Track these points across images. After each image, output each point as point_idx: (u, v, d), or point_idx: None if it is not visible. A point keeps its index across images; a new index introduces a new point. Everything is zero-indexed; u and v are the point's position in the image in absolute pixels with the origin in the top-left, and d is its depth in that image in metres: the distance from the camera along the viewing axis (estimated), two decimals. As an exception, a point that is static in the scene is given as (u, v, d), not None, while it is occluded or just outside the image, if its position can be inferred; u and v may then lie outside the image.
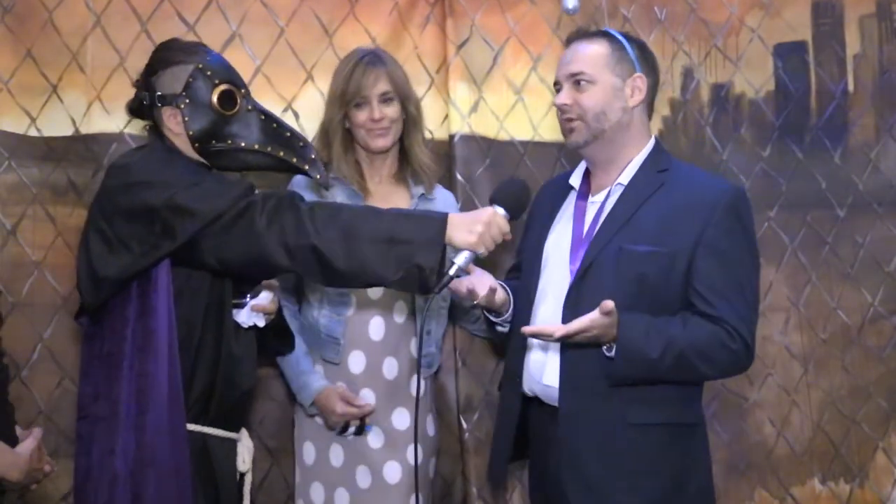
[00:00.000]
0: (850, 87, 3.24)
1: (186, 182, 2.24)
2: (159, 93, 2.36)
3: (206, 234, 2.20)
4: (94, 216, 2.33)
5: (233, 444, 2.41)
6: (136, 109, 2.45)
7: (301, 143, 2.45)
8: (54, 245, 2.78)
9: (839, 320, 3.20)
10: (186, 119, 2.34)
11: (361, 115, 2.69)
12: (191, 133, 2.34)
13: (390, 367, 2.70)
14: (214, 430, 2.34)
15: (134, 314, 2.25)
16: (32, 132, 2.81)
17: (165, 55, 2.41)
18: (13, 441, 2.27)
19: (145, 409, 2.22)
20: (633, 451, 2.27)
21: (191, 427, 2.28)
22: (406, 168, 2.79)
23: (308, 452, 2.71)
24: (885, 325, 3.21)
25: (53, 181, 2.81)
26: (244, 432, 2.47)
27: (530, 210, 2.53)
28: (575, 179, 2.47)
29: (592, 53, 2.38)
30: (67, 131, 2.84)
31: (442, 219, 2.20)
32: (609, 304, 2.15)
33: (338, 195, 2.70)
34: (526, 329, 2.23)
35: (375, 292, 2.66)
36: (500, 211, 2.24)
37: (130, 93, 2.77)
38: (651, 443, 2.27)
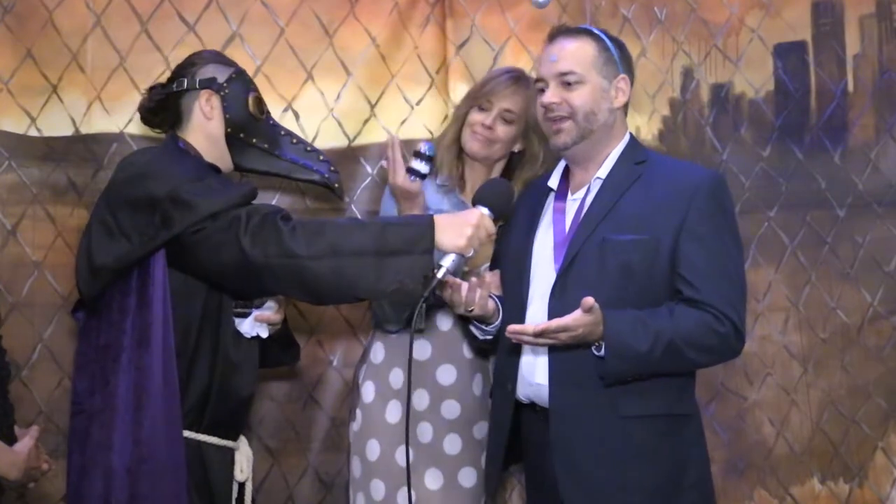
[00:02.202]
0: (850, 87, 3.24)
1: (191, 177, 2.25)
2: (200, 77, 2.39)
3: (195, 238, 2.18)
4: (99, 209, 2.32)
5: (230, 452, 2.38)
6: (156, 104, 2.44)
7: (321, 157, 2.55)
8: (54, 245, 2.79)
9: (839, 320, 3.20)
10: (225, 104, 2.38)
11: (477, 116, 2.68)
12: (228, 116, 2.38)
13: (478, 383, 2.72)
14: (210, 437, 2.30)
15: (133, 306, 2.23)
16: (32, 132, 2.82)
17: (208, 55, 2.49)
18: (11, 440, 2.27)
19: (142, 404, 2.19)
20: (627, 444, 2.25)
21: (186, 434, 2.24)
22: None
23: (372, 449, 2.68)
24: (884, 324, 3.21)
25: (53, 181, 2.82)
26: (243, 440, 2.45)
27: (519, 210, 2.53)
28: (553, 181, 2.46)
29: (581, 52, 2.35)
30: (67, 131, 2.84)
31: (429, 223, 2.17)
32: (589, 300, 2.10)
33: (439, 199, 2.70)
34: (509, 328, 2.17)
35: None
36: (486, 212, 2.23)
37: (131, 93, 2.81)
38: (644, 435, 2.25)
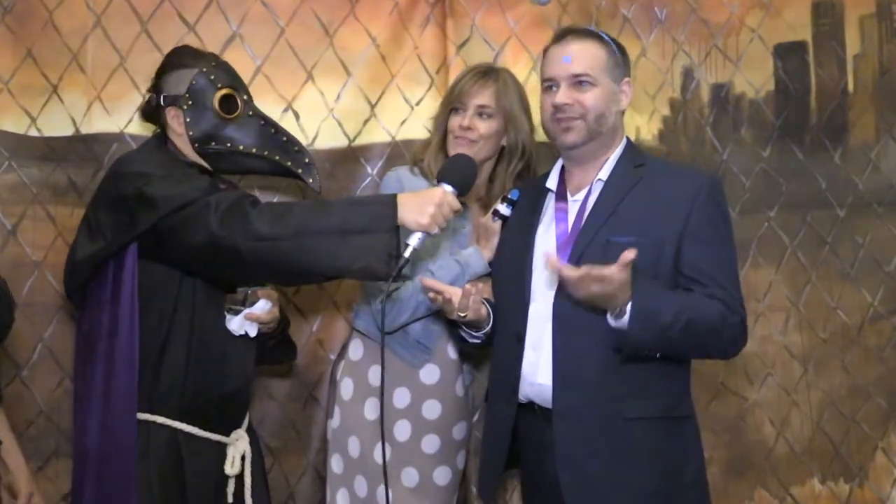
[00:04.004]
0: (850, 87, 3.24)
1: (158, 175, 2.30)
2: (165, 94, 2.40)
3: (166, 228, 2.24)
4: (88, 208, 2.42)
5: (217, 445, 2.40)
6: (146, 112, 2.51)
7: (296, 148, 2.52)
8: (54, 245, 2.78)
9: (839, 320, 3.20)
10: (188, 120, 2.39)
11: (455, 120, 2.68)
12: (191, 133, 2.40)
13: (460, 384, 2.73)
14: (189, 427, 2.34)
15: (108, 299, 2.32)
16: (33, 132, 2.81)
17: (173, 59, 2.49)
18: None
19: (109, 391, 2.27)
20: (629, 445, 2.26)
21: (160, 420, 2.31)
22: (492, 195, 2.72)
23: (353, 446, 2.69)
24: (884, 324, 3.22)
25: (54, 181, 2.81)
26: (242, 436, 2.45)
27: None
28: (552, 182, 2.47)
29: (594, 56, 2.37)
30: (68, 131, 2.84)
31: (392, 202, 2.21)
32: (629, 254, 2.11)
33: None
34: (550, 258, 2.18)
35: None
36: (449, 188, 2.25)
37: (131, 93, 2.82)
38: (646, 436, 2.27)
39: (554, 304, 2.29)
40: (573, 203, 2.40)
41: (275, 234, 2.18)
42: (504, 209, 2.55)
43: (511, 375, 2.38)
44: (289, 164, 2.50)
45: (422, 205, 2.21)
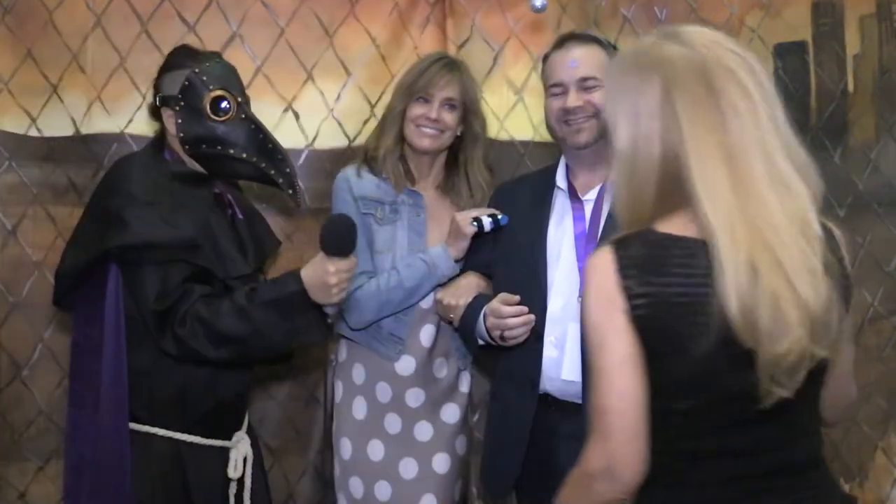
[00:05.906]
0: (850, 87, 3.24)
1: (145, 198, 2.27)
2: (161, 94, 2.39)
3: (129, 261, 2.24)
4: (83, 212, 2.40)
5: (219, 451, 2.40)
6: (152, 111, 2.50)
7: (280, 156, 2.45)
8: (54, 245, 2.79)
9: (839, 320, 3.19)
10: (179, 121, 2.37)
11: (419, 109, 2.65)
12: (181, 135, 2.38)
13: (440, 367, 2.72)
14: (191, 437, 2.33)
15: (94, 312, 2.30)
16: (33, 132, 2.82)
17: (170, 59, 2.47)
18: None
19: (98, 405, 2.27)
20: None
21: (161, 433, 2.30)
22: (458, 181, 2.74)
23: (345, 448, 2.69)
24: (884, 325, 3.21)
25: (54, 181, 2.82)
26: (243, 438, 2.45)
27: (501, 208, 2.57)
28: (561, 180, 2.49)
29: (597, 58, 2.42)
30: (68, 131, 2.85)
31: (300, 292, 2.21)
32: None
33: (378, 191, 2.67)
34: None
35: (427, 302, 2.66)
36: (336, 260, 2.21)
37: (131, 93, 2.82)
38: None
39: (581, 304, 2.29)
40: (587, 202, 2.44)
41: (220, 357, 2.25)
42: (487, 224, 2.54)
43: (531, 372, 2.38)
44: (272, 172, 2.43)
45: (323, 288, 2.21)
